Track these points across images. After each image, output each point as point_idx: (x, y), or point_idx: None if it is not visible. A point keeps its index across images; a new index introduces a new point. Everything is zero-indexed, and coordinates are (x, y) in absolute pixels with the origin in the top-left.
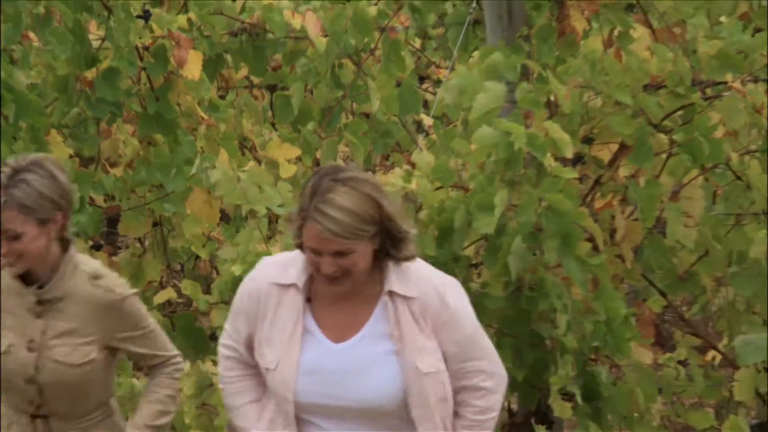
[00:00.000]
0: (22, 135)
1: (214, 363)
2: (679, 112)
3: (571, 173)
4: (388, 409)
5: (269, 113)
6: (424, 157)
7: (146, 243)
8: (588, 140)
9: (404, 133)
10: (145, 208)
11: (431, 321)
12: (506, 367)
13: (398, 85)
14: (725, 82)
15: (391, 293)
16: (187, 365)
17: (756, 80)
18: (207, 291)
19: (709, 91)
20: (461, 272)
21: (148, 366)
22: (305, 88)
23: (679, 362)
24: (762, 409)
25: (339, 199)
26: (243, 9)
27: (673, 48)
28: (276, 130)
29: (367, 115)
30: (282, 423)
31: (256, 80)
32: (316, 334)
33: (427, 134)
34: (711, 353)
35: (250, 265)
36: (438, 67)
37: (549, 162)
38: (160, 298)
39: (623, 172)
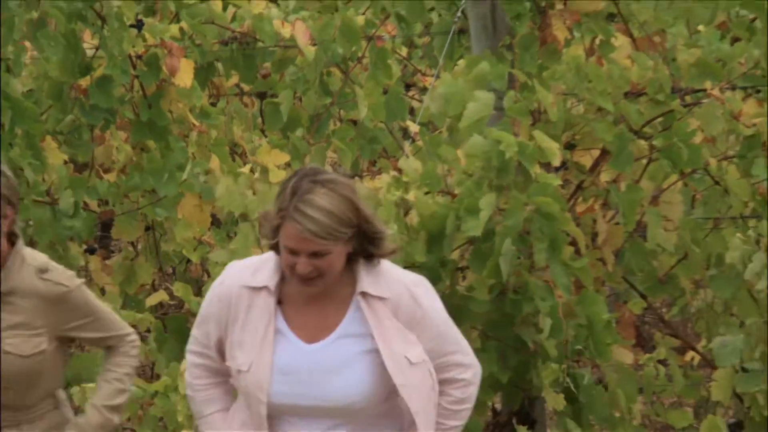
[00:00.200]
0: (17, 141)
1: None
2: (659, 119)
3: (554, 180)
4: (360, 407)
5: (259, 120)
6: (410, 163)
7: (139, 247)
8: (570, 146)
9: (391, 140)
10: (138, 212)
11: (404, 320)
12: (491, 370)
13: (385, 92)
14: (704, 90)
15: (364, 294)
16: (182, 365)
17: (734, 88)
18: (198, 293)
19: (688, 99)
20: (447, 276)
21: (103, 347)
22: (294, 96)
23: (659, 362)
24: (739, 408)
25: (319, 200)
26: (234, 18)
27: (653, 56)
28: (266, 136)
29: (354, 122)
30: (254, 424)
31: (246, 88)
32: (288, 336)
33: (413, 141)
34: (690, 354)
35: None
36: (424, 75)
37: (535, 170)
38: (153, 300)
39: (604, 177)
